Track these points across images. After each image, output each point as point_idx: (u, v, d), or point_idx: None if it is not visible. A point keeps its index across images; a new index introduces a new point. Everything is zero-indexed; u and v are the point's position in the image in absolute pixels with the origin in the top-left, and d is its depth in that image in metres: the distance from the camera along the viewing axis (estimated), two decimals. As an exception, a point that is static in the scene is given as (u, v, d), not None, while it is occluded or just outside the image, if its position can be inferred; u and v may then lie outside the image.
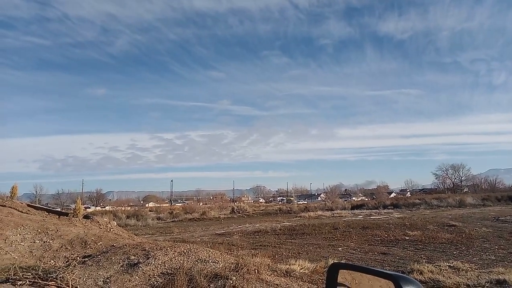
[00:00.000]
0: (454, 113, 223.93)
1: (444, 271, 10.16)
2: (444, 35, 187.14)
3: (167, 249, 8.86)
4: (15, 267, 8.72)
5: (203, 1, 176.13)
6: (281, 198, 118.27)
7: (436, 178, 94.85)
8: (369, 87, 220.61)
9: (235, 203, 64.33)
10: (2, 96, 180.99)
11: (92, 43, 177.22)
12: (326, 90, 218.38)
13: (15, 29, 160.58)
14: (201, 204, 72.89)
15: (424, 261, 11.86)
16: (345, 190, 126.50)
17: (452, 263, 11.13)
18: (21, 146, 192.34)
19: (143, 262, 8.06)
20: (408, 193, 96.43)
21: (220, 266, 8.33)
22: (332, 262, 8.08)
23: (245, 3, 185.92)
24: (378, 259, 13.06)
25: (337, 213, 39.27)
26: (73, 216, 14.21)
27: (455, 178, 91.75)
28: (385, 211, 41.10)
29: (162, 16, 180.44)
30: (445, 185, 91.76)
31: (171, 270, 7.84)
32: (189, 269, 7.76)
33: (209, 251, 9.01)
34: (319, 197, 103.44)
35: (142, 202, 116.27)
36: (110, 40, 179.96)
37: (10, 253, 9.89)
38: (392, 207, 45.55)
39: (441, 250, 14.32)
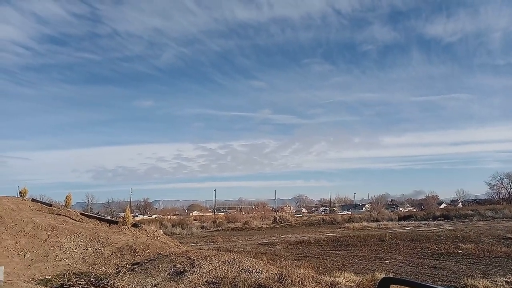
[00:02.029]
0: (509, 118, 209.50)
1: (501, 287, 9.49)
2: (497, 36, 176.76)
3: (211, 258, 8.98)
4: (69, 273, 9.20)
5: (245, 12, 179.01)
6: (324, 208, 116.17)
7: (490, 187, 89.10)
8: (415, 93, 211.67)
9: (277, 213, 64.03)
10: (56, 109, 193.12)
11: (140, 57, 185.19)
12: (369, 96, 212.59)
13: (68, 46, 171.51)
14: (243, 214, 73.10)
15: (478, 276, 11.14)
16: (391, 200, 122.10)
17: (510, 278, 10.37)
18: (74, 157, 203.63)
19: (189, 271, 8.20)
20: (460, 203, 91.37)
21: (264, 276, 8.30)
22: (382, 276, 7.84)
23: (287, 12, 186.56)
24: (428, 273, 12.43)
25: (383, 224, 37.96)
26: (122, 225, 14.79)
27: (510, 188, 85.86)
28: (434, 222, 39.21)
29: (205, 28, 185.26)
30: (500, 195, 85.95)
31: (216, 279, 7.92)
32: (233, 278, 7.80)
33: (253, 261, 9.01)
34: (363, 208, 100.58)
35: (186, 211, 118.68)
36: (156, 54, 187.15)
37: (65, 259, 10.45)
38: (443, 218, 43.38)
39: (497, 264, 13.39)
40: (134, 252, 11.26)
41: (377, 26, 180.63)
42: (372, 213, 57.07)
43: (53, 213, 15.15)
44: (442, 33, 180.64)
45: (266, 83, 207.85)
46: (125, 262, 10.24)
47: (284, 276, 8.03)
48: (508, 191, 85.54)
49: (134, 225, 15.49)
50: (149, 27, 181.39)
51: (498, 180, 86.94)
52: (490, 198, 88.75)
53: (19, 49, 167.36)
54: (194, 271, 8.17)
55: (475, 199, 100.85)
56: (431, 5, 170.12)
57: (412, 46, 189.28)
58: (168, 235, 22.51)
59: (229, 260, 8.88)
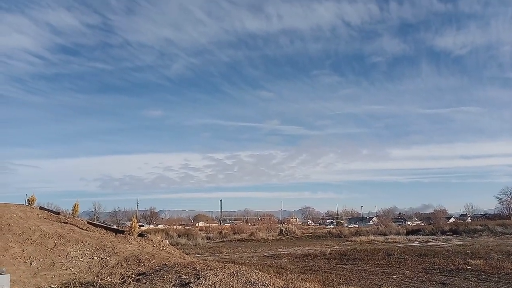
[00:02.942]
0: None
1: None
2: (507, 49, 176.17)
3: (217, 270, 8.93)
4: (74, 282, 9.22)
5: (255, 23, 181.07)
6: (331, 220, 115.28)
7: (500, 202, 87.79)
8: (424, 105, 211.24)
9: (283, 225, 63.65)
10: (66, 118, 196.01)
11: (150, 67, 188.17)
12: (378, 108, 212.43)
13: (80, 55, 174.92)
14: (249, 225, 72.83)
15: (489, 294, 10.92)
16: (399, 214, 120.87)
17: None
18: (82, 165, 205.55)
19: (194, 282, 8.16)
20: (469, 218, 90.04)
21: (270, 289, 8.21)
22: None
23: (296, 23, 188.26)
24: (437, 289, 12.23)
25: (391, 238, 37.53)
26: (128, 234, 14.81)
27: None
28: (443, 237, 38.65)
29: (215, 39, 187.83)
30: (510, 210, 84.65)
31: (221, 292, 7.86)
32: (239, 291, 7.73)
33: (258, 273, 8.94)
34: (371, 221, 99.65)
35: (192, 221, 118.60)
36: (166, 64, 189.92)
37: (71, 268, 10.46)
38: (451, 233, 42.79)
39: (506, 281, 13.12)
40: (139, 262, 11.25)
41: (386, 38, 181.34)
42: (379, 226, 56.50)
43: (60, 222, 15.23)
44: (451, 45, 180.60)
45: (275, 94, 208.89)
46: (131, 272, 10.23)
47: (290, 289, 7.95)
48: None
49: (140, 234, 15.50)
50: (160, 38, 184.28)
51: (507, 195, 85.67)
52: (500, 213, 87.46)
53: (31, 58, 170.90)
54: (199, 283, 8.12)
55: (484, 214, 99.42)
56: (441, 18, 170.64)
57: (421, 58, 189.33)
58: (174, 245, 22.46)
59: (234, 272, 8.82)
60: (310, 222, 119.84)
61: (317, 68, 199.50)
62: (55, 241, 12.00)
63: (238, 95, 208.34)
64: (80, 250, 11.72)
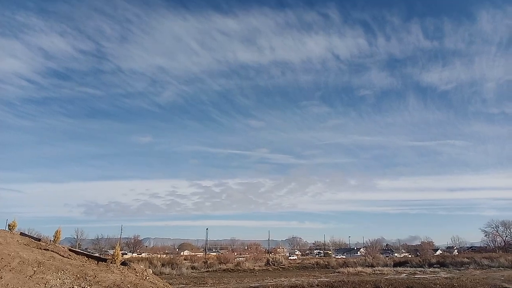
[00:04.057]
0: (504, 166, 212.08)
1: None
2: (491, 86, 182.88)
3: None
4: (53, 312, 8.86)
5: (247, 54, 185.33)
6: (318, 251, 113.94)
7: (486, 235, 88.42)
8: (411, 137, 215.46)
9: (270, 255, 62.66)
10: (54, 141, 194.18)
11: (141, 94, 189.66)
12: (366, 139, 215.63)
13: (72, 80, 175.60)
14: (235, 254, 71.43)
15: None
16: (387, 245, 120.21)
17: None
18: (67, 191, 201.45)
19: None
20: (456, 251, 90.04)
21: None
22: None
23: (288, 55, 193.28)
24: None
25: (379, 270, 37.20)
26: (111, 262, 14.40)
27: (506, 236, 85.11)
28: (430, 269, 38.51)
29: (208, 68, 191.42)
30: (496, 243, 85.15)
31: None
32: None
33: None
34: (358, 252, 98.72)
35: (177, 249, 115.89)
36: (158, 91, 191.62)
37: (50, 297, 10.08)
38: (438, 265, 42.69)
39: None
40: (121, 292, 10.91)
41: (374, 72, 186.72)
42: (367, 257, 56.01)
43: (41, 248, 14.77)
44: (437, 81, 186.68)
45: (265, 123, 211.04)
46: (112, 303, 9.89)
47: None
48: (504, 239, 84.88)
49: (123, 263, 15.08)
50: (153, 65, 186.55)
51: (493, 228, 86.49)
52: (486, 246, 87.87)
53: (22, 81, 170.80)
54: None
55: (471, 247, 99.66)
56: (427, 54, 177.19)
57: (408, 92, 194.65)
58: (157, 274, 21.86)
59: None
60: (297, 252, 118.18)
61: (307, 99, 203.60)
62: (35, 269, 11.60)
63: (228, 123, 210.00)
64: (60, 279, 11.33)
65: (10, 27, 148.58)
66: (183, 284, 24.48)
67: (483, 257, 45.43)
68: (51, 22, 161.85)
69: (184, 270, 37.39)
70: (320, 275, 32.94)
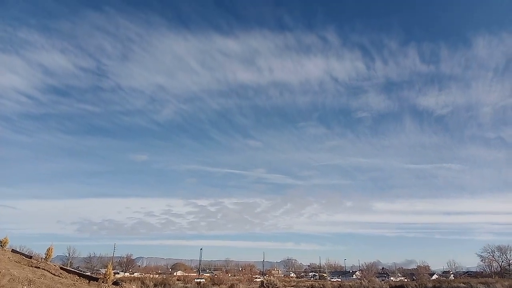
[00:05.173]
0: (500, 190, 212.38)
1: None
2: (487, 110, 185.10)
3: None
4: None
5: (246, 74, 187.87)
6: (313, 273, 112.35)
7: (482, 260, 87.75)
8: (408, 160, 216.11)
9: (265, 276, 61.81)
10: (50, 158, 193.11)
11: (140, 111, 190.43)
12: (363, 161, 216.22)
13: (71, 97, 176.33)
14: (229, 275, 70.36)
15: None
16: (382, 268, 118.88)
17: None
18: (61, 208, 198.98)
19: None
20: (452, 275, 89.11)
21: None
22: None
23: (286, 77, 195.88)
24: None
25: (374, 294, 36.71)
26: (102, 282, 14.26)
27: (502, 261, 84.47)
28: (426, 294, 38.02)
29: (207, 87, 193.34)
30: (492, 268, 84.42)
31: None
32: None
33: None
34: (354, 275, 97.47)
35: (170, 270, 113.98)
36: (157, 109, 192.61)
37: (39, 316, 9.94)
38: (435, 290, 42.17)
39: None
40: (112, 312, 10.77)
41: (372, 95, 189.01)
42: (362, 281, 55.33)
43: (32, 266, 14.62)
44: (434, 104, 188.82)
45: (262, 143, 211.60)
46: (102, 323, 9.77)
47: None
48: (500, 264, 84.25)
49: (115, 283, 14.93)
50: (153, 83, 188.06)
51: (489, 253, 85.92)
52: (482, 270, 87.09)
53: (21, 97, 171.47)
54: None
55: (467, 271, 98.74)
56: (424, 78, 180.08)
57: (405, 115, 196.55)
58: (149, 295, 21.52)
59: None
60: (292, 274, 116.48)
61: (305, 120, 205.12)
62: (25, 287, 11.47)
63: (226, 142, 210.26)
64: (50, 298, 11.19)
65: (12, 43, 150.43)
66: (175, 306, 24.07)
67: (479, 283, 45.05)
68: (53, 39, 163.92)
69: (176, 291, 36.75)
70: (314, 298, 32.48)
